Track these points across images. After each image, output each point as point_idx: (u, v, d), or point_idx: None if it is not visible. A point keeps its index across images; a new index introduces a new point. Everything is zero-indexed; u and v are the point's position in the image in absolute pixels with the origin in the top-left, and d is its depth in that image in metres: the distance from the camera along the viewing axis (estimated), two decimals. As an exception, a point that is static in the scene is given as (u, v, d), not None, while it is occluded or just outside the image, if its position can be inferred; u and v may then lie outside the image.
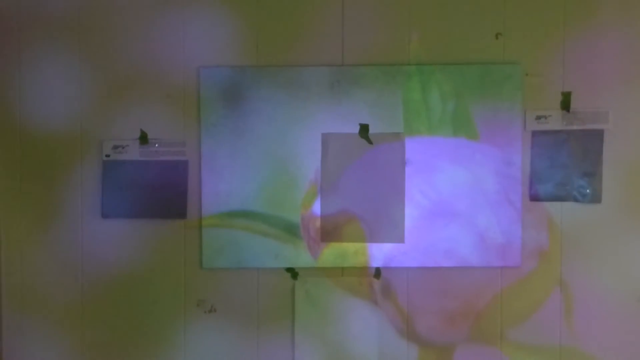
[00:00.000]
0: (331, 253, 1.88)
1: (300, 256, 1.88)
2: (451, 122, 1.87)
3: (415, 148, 1.87)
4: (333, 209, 1.88)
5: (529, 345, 1.90)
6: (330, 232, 1.88)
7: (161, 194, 1.90)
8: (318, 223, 1.88)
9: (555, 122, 1.88)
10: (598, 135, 1.88)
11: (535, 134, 1.88)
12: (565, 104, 1.88)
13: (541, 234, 1.89)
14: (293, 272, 1.90)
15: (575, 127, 1.88)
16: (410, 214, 1.87)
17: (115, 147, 1.89)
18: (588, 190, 1.88)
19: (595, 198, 1.88)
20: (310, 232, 1.89)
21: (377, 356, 1.89)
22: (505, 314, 1.90)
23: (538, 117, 1.88)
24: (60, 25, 1.91)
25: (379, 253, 1.88)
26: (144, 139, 1.89)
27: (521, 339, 1.91)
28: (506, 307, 1.90)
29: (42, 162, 1.91)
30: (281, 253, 1.89)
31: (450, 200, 1.88)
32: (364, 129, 1.87)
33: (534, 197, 1.89)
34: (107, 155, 1.89)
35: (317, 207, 1.89)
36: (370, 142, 1.88)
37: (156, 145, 1.90)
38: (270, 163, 1.88)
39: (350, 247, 1.88)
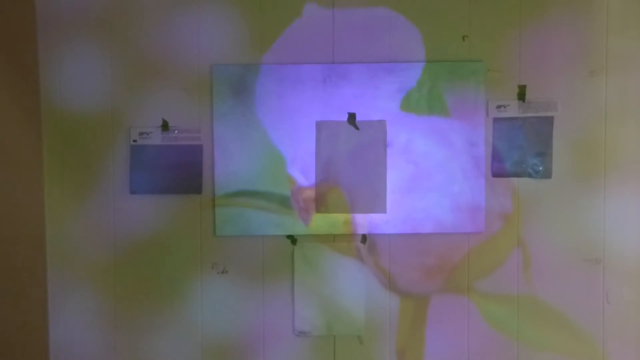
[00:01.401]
0: (323, 222, 2.17)
1: (296, 224, 2.16)
2: (427, 107, 2.16)
3: (395, 130, 2.17)
4: (326, 185, 2.18)
5: (493, 294, 2.21)
6: (323, 204, 2.17)
7: (180, 173, 2.17)
8: (306, 194, 2.16)
9: (513, 110, 2.18)
10: (549, 121, 2.18)
11: (496, 120, 2.18)
12: (521, 95, 2.17)
13: (502, 204, 2.18)
14: (292, 239, 2.19)
15: (529, 115, 2.17)
16: (391, 188, 2.16)
17: (141, 134, 2.17)
18: (540, 168, 2.19)
19: (547, 174, 2.18)
20: (300, 203, 2.17)
21: (364, 306, 2.19)
22: (472, 270, 2.20)
23: (498, 106, 2.17)
24: (98, 31, 2.17)
25: (364, 222, 2.18)
26: (165, 126, 2.17)
27: (486, 290, 2.21)
28: (473, 264, 2.20)
29: (80, 146, 2.17)
30: (282, 223, 2.17)
31: (424, 176, 2.17)
32: (351, 117, 2.17)
33: (496, 174, 2.18)
34: (134, 141, 2.17)
35: (304, 182, 2.16)
36: (357, 128, 2.17)
37: (175, 132, 2.17)
38: (271, 146, 2.16)
39: (340, 217, 2.18)
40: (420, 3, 2.17)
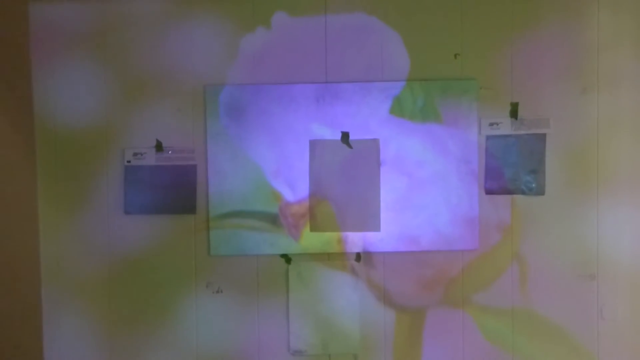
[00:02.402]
0: (317, 240, 2.18)
1: (291, 243, 2.17)
2: (420, 124, 2.18)
3: (388, 149, 2.18)
4: (320, 204, 2.18)
5: (490, 308, 2.21)
6: (317, 222, 2.18)
7: (174, 193, 2.18)
8: (295, 211, 2.17)
9: (505, 127, 2.19)
10: (541, 138, 2.19)
11: (488, 137, 2.19)
12: (514, 113, 2.19)
13: (496, 221, 2.20)
14: (287, 258, 2.20)
15: (522, 132, 2.19)
16: (385, 206, 2.18)
17: (135, 154, 2.18)
18: (534, 185, 2.20)
19: (540, 191, 2.20)
20: (289, 219, 2.17)
21: (359, 324, 2.20)
22: (468, 284, 2.20)
23: (491, 124, 2.19)
24: (92, 50, 2.19)
25: (359, 240, 2.19)
26: (159, 147, 2.18)
27: (483, 303, 2.21)
28: (468, 279, 2.20)
29: (74, 166, 2.19)
30: (275, 242, 2.18)
31: (418, 194, 2.18)
32: (345, 136, 2.18)
33: (489, 191, 2.20)
34: (128, 161, 2.18)
35: (295, 199, 2.17)
36: (350, 146, 2.19)
37: (169, 152, 2.19)
38: (264, 166, 2.17)
39: (334, 235, 2.19)
40: (412, 21, 2.19)
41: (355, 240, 2.19)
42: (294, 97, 2.17)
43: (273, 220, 2.18)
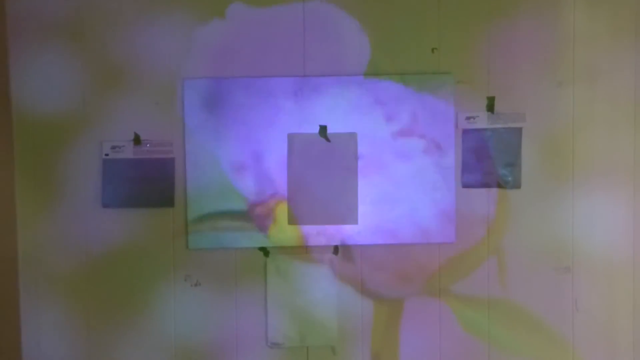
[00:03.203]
0: (294, 234, 2.20)
1: (269, 237, 2.19)
2: (397, 118, 2.19)
3: (365, 144, 2.20)
4: (297, 197, 2.20)
5: (467, 298, 2.24)
6: (295, 217, 2.20)
7: (152, 187, 2.19)
8: (274, 206, 2.19)
9: (482, 121, 2.21)
10: (517, 132, 2.21)
11: (465, 131, 2.21)
12: (490, 107, 2.21)
13: (472, 215, 2.22)
14: (265, 251, 2.21)
15: (498, 126, 2.21)
16: (362, 200, 2.20)
17: (113, 148, 2.18)
18: (510, 178, 2.23)
19: (516, 184, 2.22)
20: (265, 213, 2.19)
21: (336, 316, 2.22)
22: (446, 275, 2.24)
23: (467, 118, 2.21)
24: (70, 42, 2.17)
25: (336, 233, 2.21)
26: (137, 140, 2.19)
27: (460, 292, 2.25)
28: (446, 271, 2.23)
29: (53, 159, 2.18)
30: (253, 235, 2.19)
31: (395, 188, 2.20)
32: (322, 130, 2.19)
33: (466, 185, 2.22)
34: (106, 155, 2.18)
35: (274, 193, 2.19)
36: (328, 140, 2.20)
37: (147, 145, 2.19)
38: (243, 159, 2.19)
39: (312, 228, 2.20)
40: (390, 16, 2.20)
41: (333, 233, 2.21)
42: (271, 90, 2.18)
43: (250, 213, 2.19)
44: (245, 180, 2.19)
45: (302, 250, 2.22)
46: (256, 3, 2.19)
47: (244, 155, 2.19)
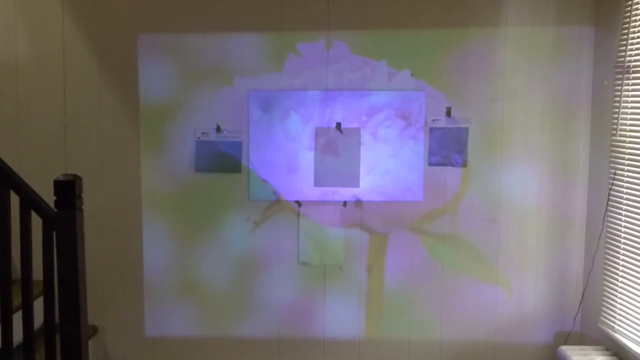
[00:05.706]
0: (318, 193, 3.36)
1: (301, 193, 3.38)
2: (386, 118, 3.34)
3: (365, 134, 3.36)
4: (323, 170, 3.37)
5: (432, 234, 3.43)
6: (319, 181, 3.37)
7: (227, 159, 3.33)
8: (298, 175, 3.37)
9: (442, 122, 3.35)
10: (465, 130, 3.36)
11: (431, 129, 3.35)
12: (448, 113, 3.34)
13: (435, 183, 3.39)
14: (299, 203, 3.39)
15: (453, 126, 3.35)
16: (363, 171, 3.37)
17: (203, 133, 3.34)
18: (460, 160, 3.37)
19: (464, 164, 3.37)
20: (293, 178, 3.37)
21: (344, 246, 3.42)
22: (417, 221, 3.42)
23: (433, 120, 3.34)
24: (173, 57, 3.32)
25: (345, 192, 3.38)
26: (218, 128, 3.34)
27: (427, 230, 3.44)
28: (417, 218, 3.43)
29: (163, 137, 3.33)
30: (292, 191, 3.37)
31: (385, 164, 3.35)
32: (338, 126, 3.35)
33: (431, 164, 3.38)
34: (198, 138, 3.34)
35: (296, 167, 3.37)
36: (342, 132, 3.36)
37: (225, 132, 3.34)
38: (285, 144, 3.35)
39: (329, 190, 3.38)
40: (392, 50, 3.32)
41: (343, 192, 3.39)
42: (305, 99, 3.33)
43: (290, 177, 3.37)
44: (286, 158, 3.35)
45: (322, 204, 3.40)
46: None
47: (286, 141, 3.35)
